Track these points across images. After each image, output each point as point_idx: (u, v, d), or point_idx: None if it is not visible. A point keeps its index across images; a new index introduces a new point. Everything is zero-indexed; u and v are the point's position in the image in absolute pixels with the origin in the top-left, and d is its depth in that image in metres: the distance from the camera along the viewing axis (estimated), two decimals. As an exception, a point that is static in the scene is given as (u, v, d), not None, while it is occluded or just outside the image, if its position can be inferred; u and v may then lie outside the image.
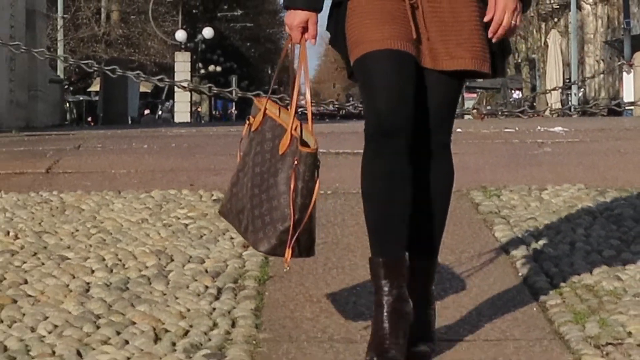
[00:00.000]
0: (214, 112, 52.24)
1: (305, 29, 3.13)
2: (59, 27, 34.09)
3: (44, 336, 3.30)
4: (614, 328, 3.31)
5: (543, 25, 45.80)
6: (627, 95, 20.60)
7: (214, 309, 3.59)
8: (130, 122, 26.40)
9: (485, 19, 3.07)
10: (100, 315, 3.52)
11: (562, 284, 3.84)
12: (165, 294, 3.78)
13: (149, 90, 41.57)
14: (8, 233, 4.83)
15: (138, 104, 33.75)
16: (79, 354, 3.13)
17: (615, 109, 12.52)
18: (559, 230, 4.68)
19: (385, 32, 3.04)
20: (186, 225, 4.97)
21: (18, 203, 5.61)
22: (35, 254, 4.41)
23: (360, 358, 3.15)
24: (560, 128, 9.40)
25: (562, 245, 4.39)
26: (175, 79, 27.70)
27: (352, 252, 4.40)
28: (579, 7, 39.10)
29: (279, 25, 59.08)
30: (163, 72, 27.12)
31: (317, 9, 3.14)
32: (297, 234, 3.08)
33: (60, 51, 31.63)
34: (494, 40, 3.08)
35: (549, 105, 20.82)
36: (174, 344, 3.21)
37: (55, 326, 3.39)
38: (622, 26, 32.61)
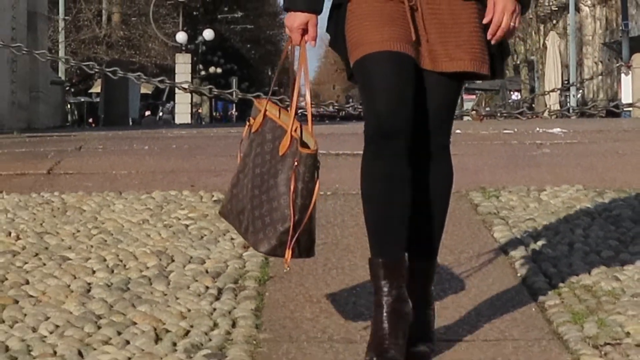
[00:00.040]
0: (214, 114, 52.22)
1: (305, 31, 3.13)
2: (60, 28, 34.08)
3: (45, 336, 3.31)
4: (612, 328, 3.32)
5: (542, 27, 45.74)
6: (625, 97, 20.60)
7: (215, 309, 3.60)
8: (131, 123, 26.38)
9: (484, 21, 3.07)
10: (101, 315, 3.53)
11: (561, 285, 3.85)
12: (166, 295, 3.79)
13: (150, 92, 41.55)
14: (10, 234, 4.84)
15: (139, 105, 33.75)
16: (80, 354, 3.14)
17: (614, 111, 12.55)
18: (557, 230, 4.70)
19: (385, 34, 3.05)
20: (187, 226, 4.98)
21: (19, 204, 5.62)
22: (36, 254, 4.43)
23: (360, 358, 3.16)
24: (558, 129, 9.42)
25: (561, 246, 4.40)
26: (176, 80, 27.73)
27: (351, 253, 4.41)
28: (577, 9, 39.06)
29: (279, 27, 59.05)
30: (164, 74, 27.11)
31: (317, 11, 3.14)
32: (297, 235, 3.08)
33: (61, 53, 31.62)
34: (492, 42, 3.09)
35: (548, 106, 20.83)
36: (174, 344, 3.22)
37: (57, 326, 3.40)
38: (621, 28, 32.60)
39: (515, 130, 9.52)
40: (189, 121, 36.07)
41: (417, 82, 3.08)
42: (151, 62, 41.65)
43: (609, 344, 3.21)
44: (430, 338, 3.19)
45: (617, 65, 26.26)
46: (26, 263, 4.27)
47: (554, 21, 46.26)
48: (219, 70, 51.60)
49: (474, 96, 45.08)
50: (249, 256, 4.30)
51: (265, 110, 3.20)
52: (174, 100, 39.59)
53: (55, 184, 6.33)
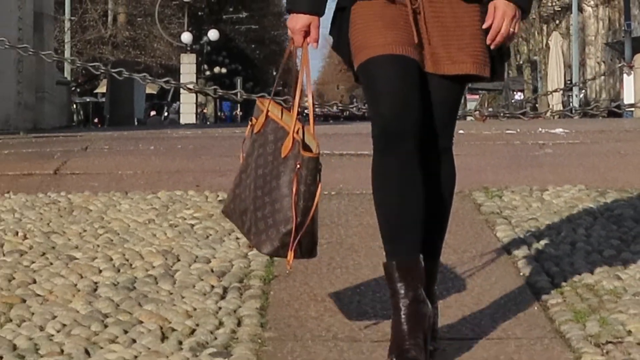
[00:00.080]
0: (219, 114, 52.21)
1: (307, 33, 3.14)
2: (66, 29, 34.08)
3: (52, 335, 3.34)
4: (614, 327, 3.33)
5: (545, 27, 45.68)
6: (628, 97, 20.56)
7: (220, 308, 3.62)
8: (136, 123, 26.42)
9: (484, 26, 3.08)
10: (107, 314, 3.56)
11: (563, 284, 3.87)
12: (171, 294, 3.81)
13: (155, 92, 41.55)
14: (17, 233, 4.87)
15: (144, 105, 33.80)
16: (87, 352, 3.16)
17: (616, 111, 12.53)
18: (559, 230, 4.71)
19: (388, 37, 3.05)
20: (192, 225, 5.00)
21: (26, 204, 5.65)
22: (43, 254, 4.45)
23: (364, 356, 3.18)
24: (561, 129, 9.42)
25: (563, 245, 4.42)
26: (181, 80, 27.76)
27: (355, 252, 4.42)
28: (580, 9, 38.99)
29: (283, 27, 58.94)
30: (169, 74, 27.09)
31: (320, 13, 3.14)
32: (299, 237, 3.08)
33: (67, 53, 31.63)
34: (492, 47, 3.10)
35: (550, 106, 20.81)
36: (180, 343, 3.24)
37: (64, 325, 3.42)
38: (623, 28, 32.51)
39: (518, 130, 9.52)
40: (194, 121, 36.08)
41: (421, 84, 3.08)
42: (156, 63, 41.65)
43: (610, 342, 3.22)
44: (433, 336, 3.19)
45: (620, 65, 26.24)
46: (33, 262, 4.30)
47: (557, 21, 46.18)
48: (223, 70, 51.58)
49: (477, 96, 44.99)
50: (254, 255, 4.31)
51: (267, 111, 3.20)
52: (179, 100, 39.59)
53: (62, 184, 6.35)
